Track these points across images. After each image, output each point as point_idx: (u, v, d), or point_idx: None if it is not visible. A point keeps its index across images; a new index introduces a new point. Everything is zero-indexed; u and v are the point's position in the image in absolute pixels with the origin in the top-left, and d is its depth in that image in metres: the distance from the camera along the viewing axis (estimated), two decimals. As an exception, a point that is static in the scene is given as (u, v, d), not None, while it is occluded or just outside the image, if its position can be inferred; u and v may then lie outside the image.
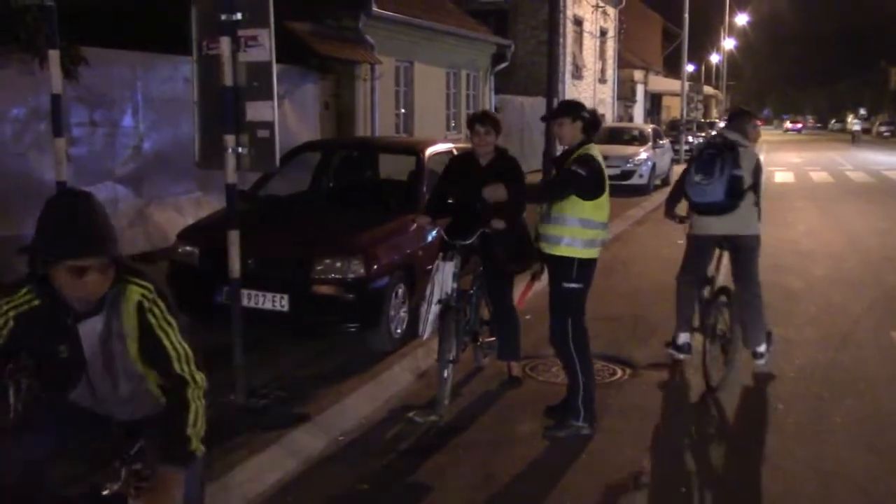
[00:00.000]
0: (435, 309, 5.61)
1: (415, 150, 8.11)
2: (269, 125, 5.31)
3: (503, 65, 22.82)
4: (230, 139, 5.32)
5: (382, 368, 6.27)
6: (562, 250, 5.22)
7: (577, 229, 5.20)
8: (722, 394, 6.00)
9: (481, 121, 5.89)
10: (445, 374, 5.61)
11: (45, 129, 8.78)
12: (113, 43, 9.81)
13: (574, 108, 5.32)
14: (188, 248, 6.75)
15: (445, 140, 9.92)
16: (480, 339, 6.42)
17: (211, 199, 10.96)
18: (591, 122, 5.29)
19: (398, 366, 6.39)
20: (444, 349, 5.60)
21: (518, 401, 5.97)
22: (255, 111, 5.32)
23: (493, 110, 22.36)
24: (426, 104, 18.77)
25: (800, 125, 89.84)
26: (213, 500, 4.18)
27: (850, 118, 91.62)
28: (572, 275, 5.23)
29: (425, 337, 5.80)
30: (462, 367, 6.31)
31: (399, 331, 6.82)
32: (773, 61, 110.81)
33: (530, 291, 6.10)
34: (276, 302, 6.28)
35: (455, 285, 5.71)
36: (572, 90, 28.92)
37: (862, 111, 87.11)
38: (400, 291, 6.80)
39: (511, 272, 6.01)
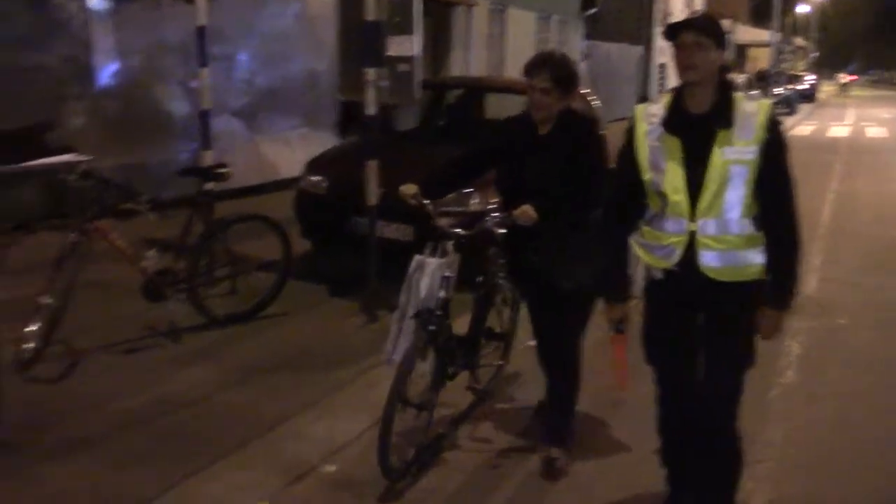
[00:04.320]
0: (410, 325, 3.83)
1: (525, 90, 8.21)
2: (409, 59, 5.53)
3: (593, 10, 22.56)
4: (371, 73, 5.54)
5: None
6: (755, 271, 3.08)
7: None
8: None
9: (536, 69, 3.79)
10: (391, 419, 3.65)
11: (170, 62, 9.19)
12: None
13: (721, 29, 3.05)
14: (317, 177, 7.02)
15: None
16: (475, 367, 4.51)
17: (318, 134, 11.27)
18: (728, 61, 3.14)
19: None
20: (397, 383, 3.69)
21: None
22: (397, 46, 5.53)
23: (581, 57, 22.25)
24: (516, 49, 18.71)
25: (855, 77, 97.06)
26: (344, 417, 4.45)
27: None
28: (758, 301, 3.13)
29: (394, 359, 3.87)
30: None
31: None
32: (862, 13, 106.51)
33: (625, 356, 3.39)
34: (401, 232, 6.53)
35: (443, 294, 3.83)
36: (660, 38, 28.44)
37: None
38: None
39: (568, 293, 3.84)
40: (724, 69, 3.04)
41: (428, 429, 4.01)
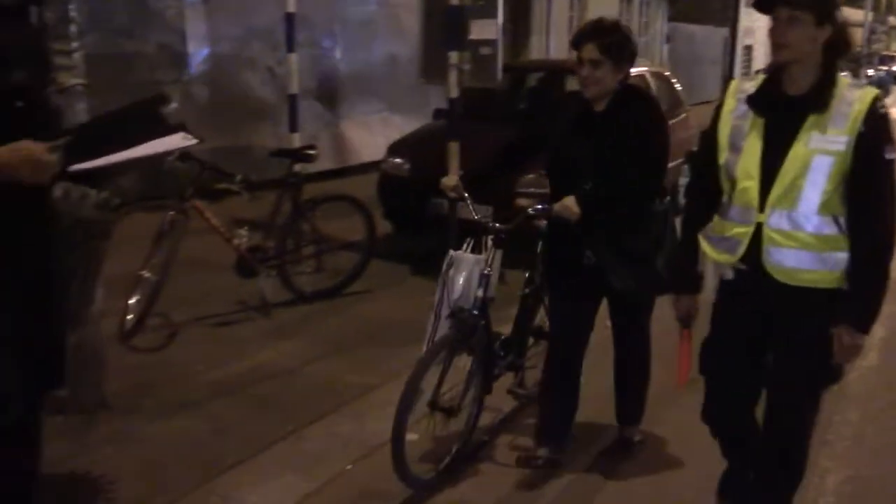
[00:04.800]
0: (445, 325, 3.60)
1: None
2: (491, 43, 5.63)
3: (677, -9, 22.24)
4: (454, 56, 5.67)
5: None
6: (833, 278, 2.67)
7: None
8: None
9: (583, 39, 3.37)
10: (404, 437, 3.40)
11: (259, 48, 9.49)
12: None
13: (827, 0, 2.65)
14: (398, 160, 7.19)
15: (638, 64, 9.89)
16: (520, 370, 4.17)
17: (397, 118, 11.46)
18: (840, 37, 2.66)
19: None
20: (409, 391, 3.41)
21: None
22: (479, 29, 5.64)
23: (664, 40, 21.92)
24: (597, 31, 18.63)
25: None
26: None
27: None
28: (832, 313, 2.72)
29: None
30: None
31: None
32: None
33: (689, 351, 3.09)
34: (480, 212, 6.62)
35: (481, 293, 3.55)
36: (746, 20, 27.78)
37: None
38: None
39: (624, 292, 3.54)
40: (833, 48, 2.63)
41: (465, 435, 3.75)
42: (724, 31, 25.64)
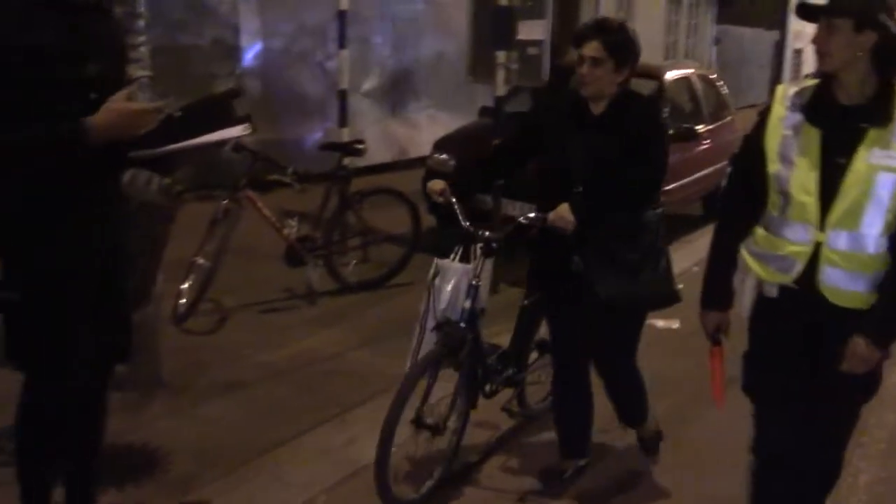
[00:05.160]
0: (430, 338, 3.44)
1: (654, 73, 8.24)
2: (539, 43, 5.74)
3: (727, -8, 22.05)
4: (501, 56, 5.78)
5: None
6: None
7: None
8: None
9: (586, 36, 3.24)
10: (390, 449, 3.25)
11: (309, 43, 9.69)
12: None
13: (867, 4, 2.50)
14: (443, 156, 7.33)
15: (684, 65, 9.91)
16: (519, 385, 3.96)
17: (443, 116, 11.57)
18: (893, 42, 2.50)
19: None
20: (394, 410, 3.26)
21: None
22: (528, 30, 5.76)
23: (712, 42, 21.72)
24: (645, 33, 18.34)
25: None
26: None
27: None
28: None
29: None
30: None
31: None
32: None
33: (723, 370, 2.92)
34: (524, 209, 6.73)
35: (469, 304, 3.36)
36: (796, 24, 27.44)
37: None
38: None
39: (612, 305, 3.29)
40: (886, 55, 2.48)
41: (451, 455, 3.57)
42: (774, 35, 25.40)
